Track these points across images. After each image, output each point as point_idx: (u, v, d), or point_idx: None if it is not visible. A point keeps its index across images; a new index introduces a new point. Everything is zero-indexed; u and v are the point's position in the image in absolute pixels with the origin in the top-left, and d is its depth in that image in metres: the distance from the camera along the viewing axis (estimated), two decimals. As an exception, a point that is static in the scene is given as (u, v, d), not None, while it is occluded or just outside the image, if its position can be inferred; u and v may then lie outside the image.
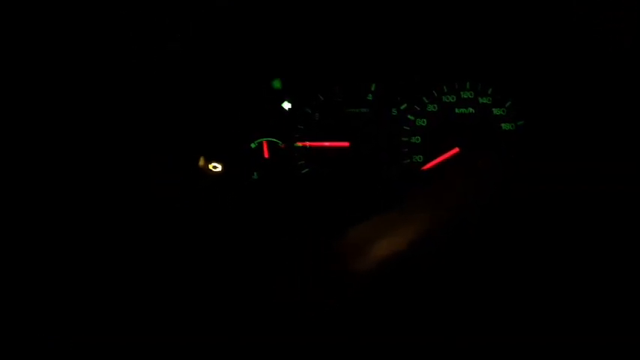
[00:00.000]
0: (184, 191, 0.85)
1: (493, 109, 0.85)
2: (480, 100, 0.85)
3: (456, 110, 0.86)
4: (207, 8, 0.81)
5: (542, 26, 0.78)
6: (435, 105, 0.86)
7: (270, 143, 0.88)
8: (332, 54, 0.87)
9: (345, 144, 0.86)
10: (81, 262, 0.72)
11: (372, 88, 0.87)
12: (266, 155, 0.88)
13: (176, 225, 0.79)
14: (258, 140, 0.88)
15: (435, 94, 0.86)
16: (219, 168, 0.88)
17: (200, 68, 0.86)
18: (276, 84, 0.87)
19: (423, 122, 0.87)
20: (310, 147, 0.87)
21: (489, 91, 0.85)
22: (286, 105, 0.88)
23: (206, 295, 0.69)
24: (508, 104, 0.85)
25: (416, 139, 0.86)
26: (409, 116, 0.87)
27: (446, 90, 0.86)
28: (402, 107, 0.87)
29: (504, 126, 0.85)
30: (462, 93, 0.86)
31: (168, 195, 0.83)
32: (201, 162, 0.88)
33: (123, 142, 0.82)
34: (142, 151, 0.83)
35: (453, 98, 0.86)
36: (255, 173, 0.88)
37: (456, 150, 0.85)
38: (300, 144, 0.87)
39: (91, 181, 0.79)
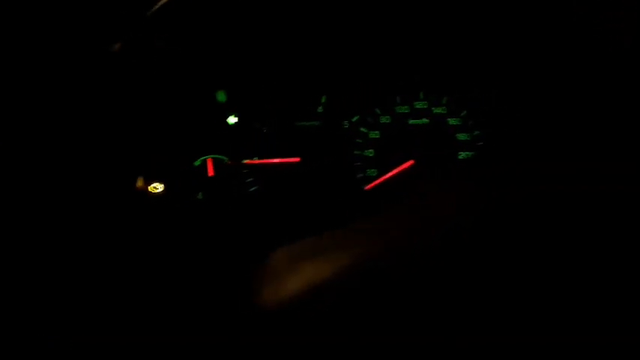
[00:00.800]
0: (122, 215, 0.78)
1: (448, 119, 0.82)
2: (435, 110, 0.82)
3: (410, 121, 0.82)
4: (143, 20, 0.76)
5: (507, 31, 0.76)
6: (389, 116, 0.83)
7: (214, 160, 0.82)
8: (280, 65, 0.82)
9: (296, 159, 0.81)
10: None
11: (323, 100, 0.83)
12: (210, 173, 0.81)
13: (118, 250, 0.73)
14: (202, 158, 0.82)
15: (388, 105, 0.83)
16: (160, 189, 0.81)
17: (137, 80, 0.80)
18: (221, 97, 0.82)
19: (376, 134, 0.83)
20: (258, 164, 0.81)
21: (444, 101, 0.82)
22: (232, 119, 0.83)
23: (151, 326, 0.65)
24: (463, 114, 0.82)
25: (369, 152, 0.82)
26: (362, 129, 0.83)
27: (399, 101, 0.83)
28: (354, 119, 0.83)
29: (460, 136, 0.82)
30: (415, 103, 0.83)
31: (105, 219, 0.76)
32: (140, 183, 0.82)
33: (57, 162, 0.75)
34: (73, 173, 0.76)
35: (406, 109, 0.83)
36: (199, 193, 0.82)
37: (411, 162, 0.81)
38: (247, 162, 0.81)
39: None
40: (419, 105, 0.83)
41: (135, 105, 0.81)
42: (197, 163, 0.82)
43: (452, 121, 0.82)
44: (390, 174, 0.81)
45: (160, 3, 0.71)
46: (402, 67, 0.83)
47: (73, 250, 0.72)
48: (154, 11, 0.72)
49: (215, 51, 0.80)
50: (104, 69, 0.77)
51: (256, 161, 0.81)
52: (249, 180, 0.82)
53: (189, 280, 0.71)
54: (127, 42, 0.75)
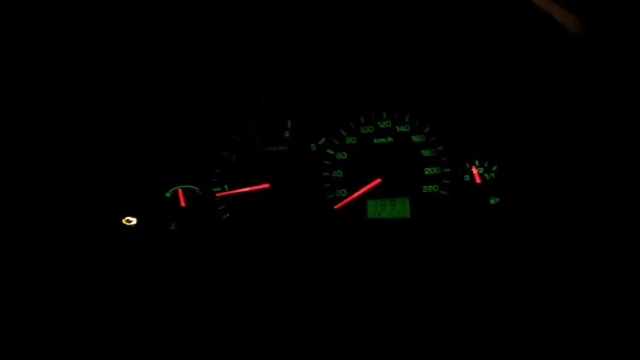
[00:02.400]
0: (99, 248, 0.79)
1: (412, 137, 0.84)
2: (398, 129, 0.84)
3: (375, 141, 0.84)
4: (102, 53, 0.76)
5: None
6: (354, 137, 0.85)
7: (185, 191, 0.83)
8: (244, 92, 0.84)
9: (266, 185, 0.83)
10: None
11: (289, 125, 0.85)
12: (182, 204, 0.82)
13: (95, 282, 0.74)
14: (173, 189, 0.83)
15: (353, 126, 0.85)
16: (134, 221, 0.82)
17: (105, 113, 0.81)
18: None
19: (344, 155, 0.84)
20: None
21: (407, 119, 0.84)
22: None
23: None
24: (426, 130, 0.84)
25: (337, 173, 0.84)
26: (328, 150, 0.84)
27: (363, 121, 0.85)
28: (321, 142, 0.84)
29: (424, 152, 0.84)
30: (379, 123, 0.85)
31: (82, 252, 0.77)
32: (113, 217, 0.82)
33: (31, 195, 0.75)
34: (50, 208, 0.77)
35: (371, 129, 0.85)
36: (172, 224, 0.83)
37: (378, 181, 0.83)
38: (218, 195, 0.83)
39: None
40: (383, 124, 0.85)
41: (105, 139, 0.82)
42: (168, 194, 0.83)
43: (416, 139, 0.84)
44: (358, 193, 0.83)
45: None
46: (364, 88, 0.85)
47: (49, 282, 0.72)
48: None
49: (179, 81, 0.81)
50: (76, 102, 0.78)
51: (227, 192, 0.82)
52: (220, 208, 0.83)
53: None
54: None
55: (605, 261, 0.69)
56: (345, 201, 0.83)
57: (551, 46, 0.72)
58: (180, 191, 0.83)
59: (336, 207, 0.83)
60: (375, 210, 0.83)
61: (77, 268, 0.75)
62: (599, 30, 0.67)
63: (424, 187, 0.84)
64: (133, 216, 0.82)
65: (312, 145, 0.84)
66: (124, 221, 0.82)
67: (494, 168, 0.83)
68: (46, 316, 0.70)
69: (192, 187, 0.83)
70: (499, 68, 0.81)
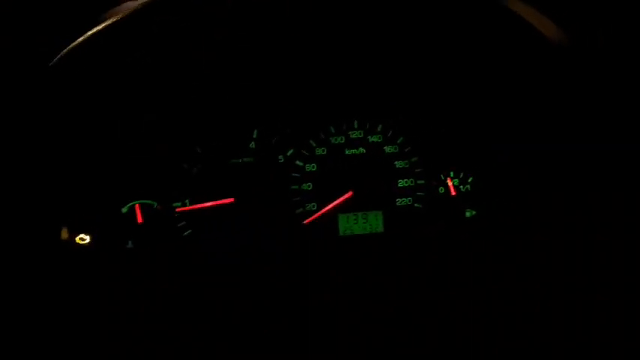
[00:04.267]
0: (47, 270, 0.73)
1: (385, 147, 0.80)
2: (370, 139, 0.80)
3: (346, 151, 0.80)
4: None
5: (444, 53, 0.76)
6: (324, 148, 0.80)
7: (143, 206, 0.77)
8: (207, 100, 0.79)
9: (230, 200, 0.78)
10: None
11: (255, 135, 0.80)
12: (139, 220, 0.77)
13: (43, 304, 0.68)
14: (130, 204, 0.77)
15: (323, 136, 0.80)
16: (87, 239, 0.76)
17: (54, 123, 0.75)
18: None
19: (313, 167, 0.80)
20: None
21: (379, 129, 0.81)
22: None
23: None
24: (400, 141, 0.80)
25: (307, 186, 0.79)
26: (297, 162, 0.80)
27: (333, 131, 0.80)
28: (289, 153, 0.80)
29: (398, 164, 0.80)
30: (350, 133, 0.81)
31: (28, 273, 0.71)
32: (64, 234, 0.76)
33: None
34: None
35: (342, 139, 0.80)
36: (129, 241, 0.77)
37: (350, 194, 0.78)
38: (179, 210, 0.77)
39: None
40: (354, 134, 0.80)
41: (56, 147, 0.75)
42: (125, 209, 0.77)
43: (389, 149, 0.80)
44: (329, 206, 0.79)
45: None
46: (335, 96, 0.81)
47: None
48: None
49: (137, 87, 0.76)
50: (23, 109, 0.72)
51: (188, 207, 0.77)
52: (181, 224, 0.77)
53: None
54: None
55: (587, 274, 0.67)
56: (315, 215, 0.78)
57: (529, 53, 0.69)
58: (137, 206, 0.77)
59: (305, 222, 0.78)
60: (347, 224, 0.79)
61: (22, 291, 0.69)
62: (575, 34, 0.65)
63: (397, 199, 0.80)
64: (86, 233, 0.76)
65: (280, 157, 0.80)
66: (76, 240, 0.76)
67: (469, 179, 0.80)
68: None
69: (150, 201, 0.78)
70: (476, 76, 0.78)
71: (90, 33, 0.63)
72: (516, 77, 0.74)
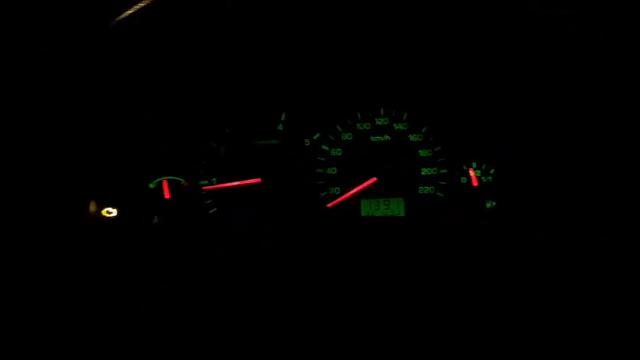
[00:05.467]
0: (74, 241, 0.74)
1: (409, 136, 0.81)
2: (396, 127, 0.81)
3: (372, 138, 0.81)
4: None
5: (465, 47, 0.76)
6: (350, 134, 0.81)
7: (170, 182, 0.78)
8: (237, 81, 0.80)
9: (256, 180, 0.79)
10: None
11: (282, 118, 0.81)
12: (167, 196, 0.78)
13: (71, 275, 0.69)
14: (157, 180, 0.78)
15: (349, 122, 0.81)
16: (114, 213, 0.77)
17: (83, 101, 0.76)
18: None
19: (339, 152, 0.81)
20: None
21: (404, 117, 0.82)
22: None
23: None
24: (424, 130, 0.82)
25: (332, 170, 0.81)
26: (323, 146, 0.81)
27: (360, 117, 0.82)
28: (315, 137, 0.81)
29: (422, 152, 0.81)
30: (376, 120, 0.82)
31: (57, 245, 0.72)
32: (92, 207, 0.77)
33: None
34: (22, 195, 0.71)
35: (367, 126, 0.82)
36: (155, 217, 0.78)
37: (373, 180, 0.80)
38: (205, 188, 0.78)
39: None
40: (380, 121, 0.82)
41: (85, 123, 0.76)
42: (152, 185, 0.78)
43: (413, 138, 0.81)
44: (352, 191, 0.80)
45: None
46: (362, 83, 0.82)
47: (26, 275, 0.68)
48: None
49: (169, 69, 0.77)
50: (53, 85, 0.73)
51: (215, 186, 0.78)
52: (207, 202, 0.79)
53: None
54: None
55: (604, 269, 0.68)
56: (339, 199, 0.80)
57: (550, 49, 0.70)
58: (164, 182, 0.78)
59: (328, 205, 0.79)
60: (369, 210, 0.80)
61: (52, 262, 0.71)
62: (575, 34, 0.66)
63: (420, 187, 0.81)
64: (113, 207, 0.77)
65: (306, 140, 0.81)
66: (103, 212, 0.77)
67: (491, 171, 0.81)
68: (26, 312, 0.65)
69: (177, 178, 0.79)
70: (502, 70, 0.78)
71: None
72: (518, 77, 0.75)
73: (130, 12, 0.66)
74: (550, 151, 0.75)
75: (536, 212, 0.77)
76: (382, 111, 0.82)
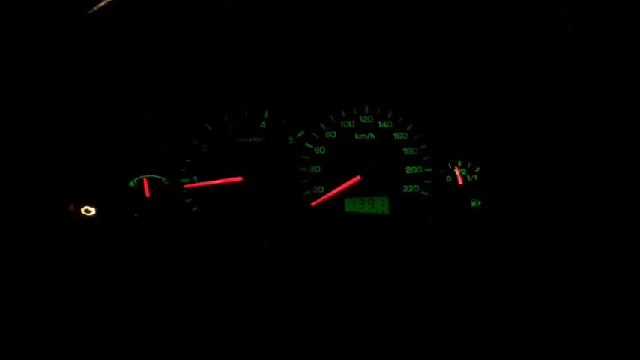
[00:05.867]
0: (52, 239, 0.72)
1: (394, 134, 0.81)
2: (380, 125, 0.81)
3: (356, 136, 0.80)
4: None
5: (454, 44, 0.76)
6: (334, 132, 0.80)
7: (151, 180, 0.77)
8: (219, 78, 0.78)
9: (239, 179, 0.78)
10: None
11: (265, 116, 0.80)
12: (147, 194, 0.77)
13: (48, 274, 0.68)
14: (138, 177, 0.77)
15: (333, 120, 0.80)
16: (93, 212, 0.76)
17: (64, 97, 0.74)
18: None
19: (322, 150, 0.80)
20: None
21: (389, 115, 0.81)
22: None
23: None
24: (409, 128, 0.81)
25: (315, 169, 0.80)
26: (307, 144, 0.80)
27: (344, 115, 0.81)
28: (299, 135, 0.80)
29: (406, 151, 0.80)
30: (361, 118, 0.81)
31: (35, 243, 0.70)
32: (70, 206, 0.76)
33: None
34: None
35: (352, 124, 0.81)
36: (135, 215, 0.77)
37: (357, 179, 0.79)
38: (187, 187, 0.77)
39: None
40: (364, 119, 0.81)
41: (63, 120, 0.75)
42: (132, 183, 0.77)
43: (398, 136, 0.81)
44: (336, 190, 0.79)
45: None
46: (347, 81, 0.81)
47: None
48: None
49: (149, 65, 0.75)
50: (33, 83, 0.71)
51: (196, 184, 0.77)
52: (188, 200, 0.77)
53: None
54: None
55: (587, 274, 0.68)
56: (323, 198, 0.79)
57: (550, 49, 0.70)
58: (145, 181, 0.77)
59: (312, 204, 0.78)
60: (354, 208, 0.79)
61: (27, 261, 0.69)
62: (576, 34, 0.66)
63: (404, 186, 0.80)
64: (91, 205, 0.76)
65: (290, 138, 0.80)
66: (82, 211, 0.76)
67: (477, 170, 0.81)
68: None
69: (158, 177, 0.77)
70: (489, 68, 0.78)
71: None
72: (518, 77, 0.75)
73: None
74: (542, 151, 0.75)
75: (521, 211, 0.76)
76: (367, 109, 0.81)
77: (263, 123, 0.80)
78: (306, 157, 0.80)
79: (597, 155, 0.71)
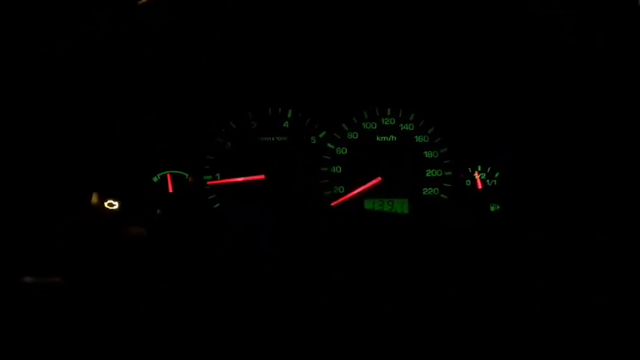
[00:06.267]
0: (76, 232, 0.73)
1: (415, 137, 0.81)
2: (402, 127, 0.81)
3: (378, 138, 0.81)
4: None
5: (473, 49, 0.76)
6: (356, 132, 0.81)
7: (174, 176, 0.78)
8: (245, 77, 0.79)
9: (261, 177, 0.79)
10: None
11: (289, 115, 0.81)
12: (170, 190, 0.77)
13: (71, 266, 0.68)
14: (161, 173, 0.78)
15: (355, 121, 0.81)
16: (116, 205, 0.77)
17: (88, 93, 0.75)
18: None
19: (344, 151, 0.81)
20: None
21: (411, 117, 0.81)
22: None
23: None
24: (430, 131, 0.81)
25: (336, 169, 0.80)
26: (329, 145, 0.81)
27: (366, 116, 0.81)
28: (321, 135, 0.81)
29: (427, 154, 0.81)
30: (383, 120, 0.81)
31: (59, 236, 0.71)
32: (95, 199, 0.77)
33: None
34: (25, 187, 0.70)
35: (373, 125, 0.81)
36: (158, 210, 0.78)
37: (378, 180, 0.79)
38: (210, 183, 0.78)
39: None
40: (386, 121, 0.81)
41: (88, 116, 0.76)
42: (156, 179, 0.78)
43: (419, 139, 0.81)
44: (357, 191, 0.80)
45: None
46: (370, 82, 0.81)
47: (27, 266, 0.67)
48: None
49: (175, 63, 0.76)
50: (58, 80, 0.72)
51: (219, 181, 0.78)
52: (211, 197, 0.78)
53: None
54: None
55: (587, 274, 0.68)
56: (343, 198, 0.79)
57: (550, 49, 0.70)
58: (168, 176, 0.78)
59: (332, 204, 0.79)
60: (373, 209, 0.80)
61: (54, 255, 0.70)
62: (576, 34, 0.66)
63: (424, 189, 0.81)
64: (115, 199, 0.77)
65: (312, 138, 0.81)
66: (105, 205, 0.77)
67: (496, 174, 0.81)
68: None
69: (181, 172, 0.78)
70: (502, 71, 0.78)
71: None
72: (518, 77, 0.75)
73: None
74: (555, 153, 0.75)
75: (541, 216, 0.77)
76: (389, 111, 0.82)
77: (286, 122, 0.80)
78: (327, 157, 0.80)
79: (597, 155, 0.71)
